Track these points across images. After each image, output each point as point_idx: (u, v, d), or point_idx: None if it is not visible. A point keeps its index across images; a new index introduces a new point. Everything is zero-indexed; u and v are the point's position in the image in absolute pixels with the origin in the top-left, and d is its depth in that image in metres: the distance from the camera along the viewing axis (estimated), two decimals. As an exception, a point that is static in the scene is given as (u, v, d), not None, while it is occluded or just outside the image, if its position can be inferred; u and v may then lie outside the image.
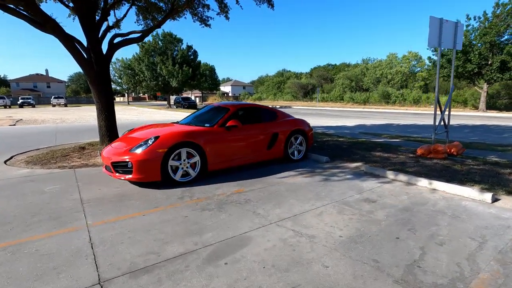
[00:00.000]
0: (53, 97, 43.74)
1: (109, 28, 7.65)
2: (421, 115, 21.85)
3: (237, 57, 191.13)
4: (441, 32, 6.11)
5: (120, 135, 6.05)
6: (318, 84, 54.43)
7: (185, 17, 9.45)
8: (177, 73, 31.39)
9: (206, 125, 4.92)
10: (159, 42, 33.21)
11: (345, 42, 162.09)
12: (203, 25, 9.51)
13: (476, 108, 28.53)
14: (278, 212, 3.34)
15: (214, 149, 4.63)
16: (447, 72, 24.83)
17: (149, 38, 32.96)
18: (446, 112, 6.97)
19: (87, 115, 21.26)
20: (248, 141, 5.14)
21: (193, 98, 44.85)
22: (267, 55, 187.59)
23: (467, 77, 25.03)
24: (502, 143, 8.54)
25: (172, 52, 33.26)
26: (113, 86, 46.89)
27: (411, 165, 5.49)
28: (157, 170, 4.10)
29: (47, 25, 5.79)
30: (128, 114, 22.97)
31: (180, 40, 33.88)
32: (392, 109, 30.93)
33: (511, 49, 20.40)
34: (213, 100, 69.08)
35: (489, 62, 22.66)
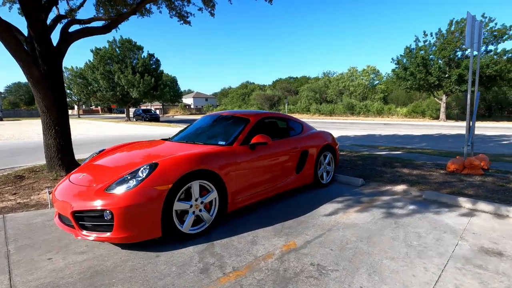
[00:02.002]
0: (-16, 109, 37.38)
1: (60, 18, 5.75)
2: (392, 125, 22.22)
3: (198, 69, 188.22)
4: (474, 31, 5.36)
5: (79, 159, 4.17)
6: (283, 96, 54.70)
7: (160, 11, 7.82)
8: (138, 83, 28.57)
9: (220, 142, 3.37)
10: (116, 49, 30.19)
11: (305, 56, 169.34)
12: (182, 22, 7.96)
13: (433, 118, 30.31)
14: (389, 293, 1.94)
15: (236, 178, 3.10)
16: (410, 84, 25.98)
17: (104, 45, 29.89)
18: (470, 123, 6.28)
19: (28, 130, 17.83)
20: (276, 164, 3.69)
21: (153, 110, 41.58)
22: (228, 68, 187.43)
23: (427, 89, 26.41)
24: (504, 153, 8.21)
25: (132, 60, 30.41)
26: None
27: (461, 185, 4.52)
28: (156, 220, 2.46)
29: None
30: (81, 129, 19.84)
31: (140, 48, 31.16)
32: (359, 120, 31.57)
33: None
34: (175, 113, 65.64)
35: (447, 75, 24.12)
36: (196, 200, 2.75)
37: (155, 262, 2.34)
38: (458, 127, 19.50)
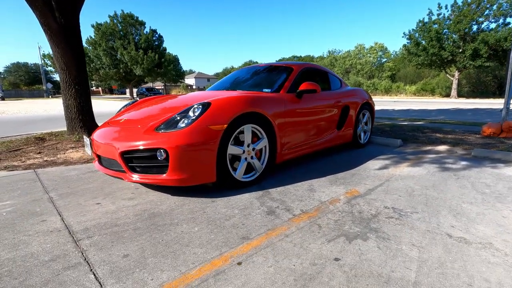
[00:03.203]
0: (-15, 89, 36.85)
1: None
2: (402, 102, 21.75)
3: (200, 49, 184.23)
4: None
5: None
6: (288, 75, 53.54)
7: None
8: (142, 60, 27.83)
9: (265, 90, 3.10)
10: (118, 25, 29.20)
11: (310, 34, 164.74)
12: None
13: (443, 95, 29.69)
14: (488, 232, 1.75)
15: (285, 127, 2.87)
16: (422, 60, 25.21)
17: (106, 20, 28.95)
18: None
19: (34, 107, 17.54)
20: (321, 117, 3.43)
21: (154, 88, 40.88)
22: (230, 47, 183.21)
23: (439, 65, 25.66)
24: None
25: (134, 36, 29.48)
26: (56, 77, 41.12)
27: (505, 146, 4.27)
28: (211, 163, 2.24)
29: None
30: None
31: (142, 23, 30.09)
32: (366, 98, 30.98)
33: (486, 37, 21.01)
34: (177, 93, 64.57)
35: (461, 50, 23.31)
36: (248, 146, 2.53)
37: (213, 206, 2.16)
38: (472, 103, 19.04)
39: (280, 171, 3.08)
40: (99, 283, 1.29)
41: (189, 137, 2.13)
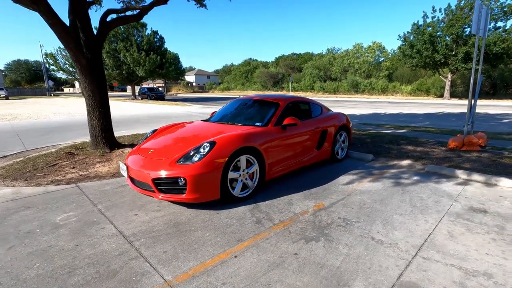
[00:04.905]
0: (-10, 88, 37.57)
1: (88, 4, 6.15)
2: (396, 104, 22.61)
3: (199, 46, 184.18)
4: (481, 19, 5.77)
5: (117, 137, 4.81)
6: (287, 73, 54.33)
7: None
8: (144, 61, 28.64)
9: (257, 124, 4.00)
10: (120, 27, 29.90)
11: (309, 32, 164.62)
12: (198, 5, 8.27)
13: (437, 96, 30.52)
14: (399, 236, 2.65)
15: (272, 153, 3.77)
16: (416, 62, 25.99)
17: (108, 22, 29.55)
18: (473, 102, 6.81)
19: (42, 110, 18.38)
20: (302, 141, 4.34)
21: (156, 87, 41.60)
22: (230, 44, 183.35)
23: (432, 67, 26.45)
24: (503, 131, 8.78)
25: (136, 38, 30.22)
26: (62, 75, 41.66)
27: (459, 160, 5.17)
28: (216, 185, 3.15)
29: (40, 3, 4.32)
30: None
31: (144, 25, 30.80)
32: (363, 98, 31.84)
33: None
34: (178, 91, 65.40)
35: (453, 53, 24.08)
36: (243, 170, 3.43)
37: (218, 216, 3.06)
38: (461, 106, 19.91)
39: (269, 186, 3.97)
40: (153, 268, 2.20)
41: (200, 168, 3.03)
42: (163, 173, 3.08)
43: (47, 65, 43.19)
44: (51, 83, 52.01)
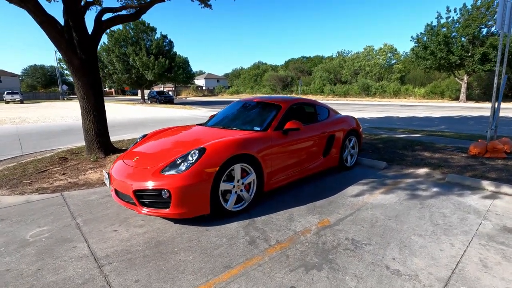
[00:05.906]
0: (6, 92, 38.55)
1: (88, 4, 5.93)
2: (409, 107, 21.82)
3: (209, 50, 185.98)
4: (505, 13, 5.23)
5: (113, 141, 4.51)
6: (296, 76, 53.81)
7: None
8: (153, 65, 28.76)
9: (256, 128, 3.60)
10: (130, 31, 30.22)
11: (319, 35, 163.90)
12: (203, 5, 7.98)
13: (453, 98, 29.41)
14: (420, 264, 2.19)
15: (271, 161, 3.36)
16: (429, 63, 25.12)
17: (119, 26, 29.95)
18: (496, 105, 6.24)
19: (51, 113, 18.54)
20: (306, 148, 3.92)
21: (166, 91, 41.85)
22: (240, 48, 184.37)
23: (447, 69, 25.50)
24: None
25: (145, 42, 30.45)
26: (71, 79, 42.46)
27: (483, 169, 4.63)
28: (205, 199, 2.76)
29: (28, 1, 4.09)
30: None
31: (153, 29, 31.05)
32: (374, 101, 31.01)
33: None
34: (187, 94, 65.87)
35: (469, 54, 23.14)
36: (237, 181, 3.03)
37: (207, 234, 2.67)
38: (479, 109, 19.01)
39: (268, 197, 3.56)
40: (118, 303, 1.82)
41: (187, 179, 2.66)
42: (145, 184, 2.71)
43: (61, 70, 44.29)
44: (65, 87, 53.15)
